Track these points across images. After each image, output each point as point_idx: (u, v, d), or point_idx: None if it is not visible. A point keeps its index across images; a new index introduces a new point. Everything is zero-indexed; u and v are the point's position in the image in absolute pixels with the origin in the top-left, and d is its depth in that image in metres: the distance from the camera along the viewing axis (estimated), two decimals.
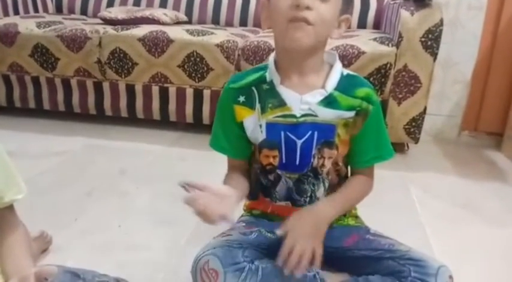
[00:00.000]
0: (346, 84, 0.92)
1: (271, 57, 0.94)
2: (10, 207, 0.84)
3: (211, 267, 0.83)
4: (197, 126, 2.09)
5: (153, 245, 1.20)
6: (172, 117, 2.09)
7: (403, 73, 1.78)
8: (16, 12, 2.41)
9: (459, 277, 0.87)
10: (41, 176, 1.60)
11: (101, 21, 2.20)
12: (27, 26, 2.10)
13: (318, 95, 0.90)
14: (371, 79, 1.76)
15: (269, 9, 0.87)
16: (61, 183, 1.56)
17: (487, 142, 2.18)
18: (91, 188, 1.52)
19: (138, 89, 2.07)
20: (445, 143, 2.18)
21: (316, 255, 0.85)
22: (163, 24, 2.13)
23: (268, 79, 0.93)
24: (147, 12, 2.17)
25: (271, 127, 0.92)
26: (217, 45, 1.91)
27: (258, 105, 0.93)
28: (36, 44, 2.07)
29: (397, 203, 1.50)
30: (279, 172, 0.95)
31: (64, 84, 2.14)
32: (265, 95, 0.92)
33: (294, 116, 0.91)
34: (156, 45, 1.96)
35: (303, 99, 0.90)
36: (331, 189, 0.98)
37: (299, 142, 0.92)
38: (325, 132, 0.92)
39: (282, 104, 0.91)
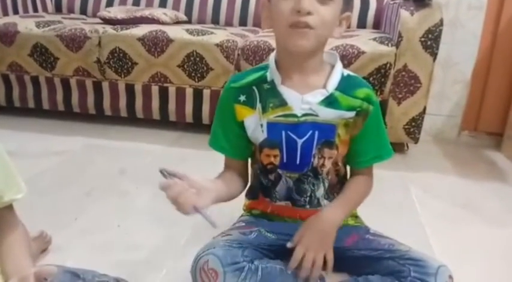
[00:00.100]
0: (346, 85, 0.92)
1: (272, 56, 0.94)
2: (10, 207, 0.84)
3: (211, 267, 0.83)
4: (197, 126, 2.08)
5: (152, 244, 1.20)
6: (172, 117, 2.09)
7: (403, 73, 1.78)
8: (15, 12, 2.40)
9: (459, 277, 0.87)
10: (41, 175, 1.60)
11: (100, 21, 2.20)
12: (26, 25, 2.09)
13: (319, 95, 0.90)
14: (371, 79, 1.76)
15: (270, 10, 0.87)
16: (60, 183, 1.56)
17: (487, 142, 2.18)
18: (91, 188, 1.52)
19: (138, 88, 2.07)
20: (445, 143, 2.18)
21: (327, 260, 0.89)
22: (163, 23, 2.13)
23: (269, 79, 0.93)
24: (147, 12, 2.16)
25: (272, 126, 0.92)
26: (217, 45, 1.91)
27: (258, 105, 0.93)
28: (36, 44, 2.07)
29: (397, 203, 1.50)
30: (279, 172, 0.95)
31: (63, 83, 2.14)
32: (266, 94, 0.92)
33: (295, 116, 0.91)
34: (156, 44, 1.96)
35: (304, 99, 0.90)
36: (331, 189, 0.98)
37: (300, 141, 0.92)
38: (326, 132, 0.92)
39: (283, 103, 0.91)
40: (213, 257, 0.84)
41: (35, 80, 2.15)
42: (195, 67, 1.96)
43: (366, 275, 0.91)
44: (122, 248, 1.18)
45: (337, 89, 0.91)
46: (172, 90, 2.03)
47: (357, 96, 0.92)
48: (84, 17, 2.51)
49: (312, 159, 0.93)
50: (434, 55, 1.74)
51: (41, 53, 2.08)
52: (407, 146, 2.00)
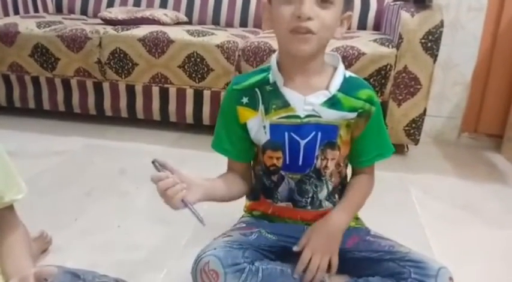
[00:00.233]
0: (348, 86, 0.92)
1: (274, 58, 0.94)
2: (10, 207, 0.84)
3: (212, 268, 0.83)
4: (197, 126, 2.08)
5: (153, 245, 1.20)
6: (173, 117, 2.09)
7: (403, 74, 1.78)
8: (16, 12, 2.41)
9: (459, 278, 0.87)
10: (41, 176, 1.60)
11: (101, 22, 2.20)
12: (27, 25, 2.10)
13: (322, 96, 0.91)
14: (371, 80, 1.76)
15: (270, 12, 0.87)
16: (61, 183, 1.56)
17: (487, 144, 2.18)
18: (91, 188, 1.52)
19: (138, 89, 2.07)
20: (445, 144, 2.18)
21: (332, 264, 0.91)
22: (164, 24, 2.13)
23: (271, 80, 0.93)
24: (148, 13, 2.17)
25: (275, 128, 0.92)
26: (218, 46, 1.91)
27: (261, 107, 0.93)
28: (36, 44, 2.07)
29: (397, 205, 1.50)
30: (282, 173, 0.95)
31: (64, 84, 2.14)
32: (268, 96, 0.92)
33: (298, 117, 0.91)
34: (157, 45, 1.96)
35: (307, 100, 0.90)
36: (333, 191, 0.98)
37: (302, 142, 0.92)
38: (329, 133, 0.92)
39: (285, 105, 0.91)
40: (213, 258, 0.84)
41: (36, 81, 2.16)
42: (196, 68, 1.96)
43: (366, 276, 0.91)
44: (122, 249, 1.18)
45: (339, 90, 0.91)
46: (172, 91, 2.03)
47: (359, 97, 0.92)
48: (84, 17, 2.51)
49: (315, 161, 0.93)
50: (434, 57, 1.74)
51: (42, 54, 2.08)
52: (408, 148, 2.00)
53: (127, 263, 1.12)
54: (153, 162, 0.82)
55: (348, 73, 0.95)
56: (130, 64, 2.02)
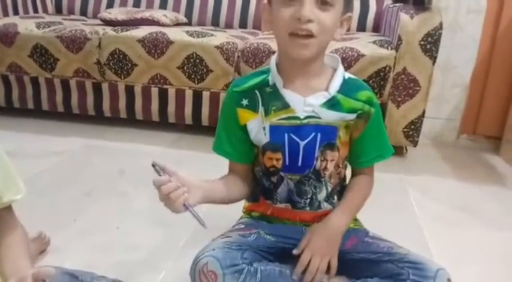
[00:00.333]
0: (348, 87, 0.93)
1: (273, 60, 0.94)
2: (9, 208, 0.83)
3: (210, 269, 0.83)
4: (196, 127, 2.09)
5: (151, 246, 1.20)
6: (172, 118, 2.09)
7: (402, 76, 1.78)
8: (16, 13, 2.40)
9: (457, 280, 0.87)
10: (40, 176, 1.60)
11: (100, 22, 2.20)
12: (26, 26, 2.09)
13: (321, 97, 0.91)
14: (370, 82, 1.77)
15: (270, 13, 0.87)
16: (59, 183, 1.56)
17: (486, 145, 2.19)
18: (90, 189, 1.52)
19: (138, 90, 2.07)
20: (443, 146, 2.19)
21: (331, 265, 0.92)
22: (163, 25, 2.13)
23: (271, 82, 0.93)
24: (147, 14, 2.17)
25: (274, 129, 0.92)
26: (217, 47, 1.91)
27: (261, 108, 0.93)
28: (36, 45, 2.07)
29: (396, 206, 1.50)
30: (281, 174, 0.95)
31: (63, 84, 2.14)
32: (268, 97, 0.93)
33: (297, 118, 0.91)
34: (156, 46, 1.96)
35: (307, 102, 0.90)
36: (332, 192, 0.98)
37: (302, 143, 0.92)
38: (328, 134, 0.92)
39: (285, 106, 0.91)
40: (212, 259, 0.84)
41: (35, 81, 2.15)
42: (195, 69, 1.96)
43: (365, 278, 0.91)
44: (121, 249, 1.18)
45: (339, 91, 0.92)
46: (171, 92, 2.03)
47: (359, 98, 0.92)
48: (84, 18, 2.51)
49: (315, 162, 0.93)
50: (433, 58, 1.75)
51: (41, 54, 2.08)
52: (406, 149, 2.00)
53: (125, 263, 1.11)
54: (153, 166, 0.82)
55: (348, 75, 0.95)
56: (130, 65, 2.02)
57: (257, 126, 0.94)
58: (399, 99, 1.81)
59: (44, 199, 1.42)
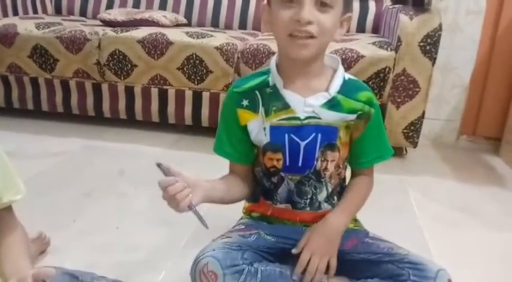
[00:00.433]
0: (348, 88, 0.93)
1: (273, 60, 0.94)
2: (8, 208, 0.83)
3: (211, 270, 0.83)
4: (196, 128, 2.09)
5: (151, 246, 1.20)
6: (171, 119, 2.09)
7: (402, 77, 1.78)
8: (15, 13, 2.40)
9: (457, 281, 0.87)
10: (39, 176, 1.60)
11: (100, 23, 2.21)
12: (26, 27, 2.09)
13: (322, 98, 0.91)
14: (370, 83, 1.77)
15: (270, 14, 0.87)
16: (59, 184, 1.56)
17: (485, 147, 2.19)
18: (89, 189, 1.52)
19: (137, 91, 2.07)
20: (443, 147, 2.19)
21: (331, 265, 0.91)
22: (163, 26, 2.13)
23: (271, 83, 0.93)
24: (147, 15, 2.17)
25: (275, 130, 0.92)
26: (217, 48, 1.91)
27: (261, 109, 0.93)
28: (35, 45, 2.07)
29: (396, 207, 1.50)
30: (282, 175, 0.96)
31: (63, 85, 2.14)
32: (268, 98, 0.93)
33: (298, 119, 0.91)
34: (156, 47, 1.96)
35: (307, 102, 0.90)
36: (332, 192, 0.98)
37: (302, 144, 0.92)
38: (328, 135, 0.92)
39: (285, 106, 0.91)
40: (212, 259, 0.84)
41: (35, 82, 2.15)
42: (195, 70, 1.96)
43: (365, 278, 0.91)
44: (121, 250, 1.18)
45: (339, 92, 0.92)
46: (171, 93, 2.03)
47: (359, 99, 0.93)
48: (83, 19, 2.51)
49: (315, 163, 0.94)
50: (433, 59, 1.75)
51: (41, 55, 2.08)
52: (406, 150, 2.00)
53: (125, 264, 1.11)
54: (158, 166, 0.81)
55: (348, 75, 0.95)
56: (130, 66, 2.02)
57: (257, 127, 0.94)
58: (399, 100, 1.81)
59: (44, 199, 1.42)
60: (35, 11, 2.55)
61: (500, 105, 2.16)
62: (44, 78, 2.14)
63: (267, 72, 0.95)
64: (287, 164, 0.94)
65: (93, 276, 0.85)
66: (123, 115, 2.13)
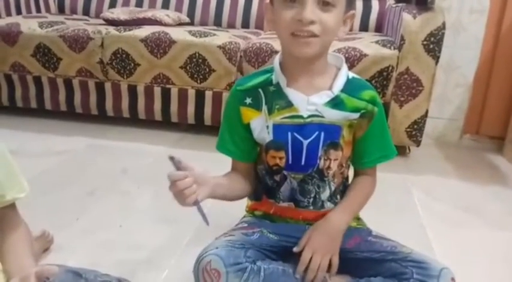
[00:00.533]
0: (352, 87, 0.93)
1: (276, 59, 0.94)
2: (12, 206, 0.84)
3: (214, 268, 0.83)
4: (199, 127, 2.09)
5: (154, 244, 1.20)
6: (174, 118, 2.09)
7: (405, 76, 1.78)
8: (18, 12, 2.41)
9: (461, 279, 0.87)
10: (43, 175, 1.60)
11: (103, 22, 2.21)
12: (29, 25, 2.10)
13: (325, 96, 0.91)
14: (373, 82, 1.77)
15: (272, 13, 0.87)
16: (62, 182, 1.57)
17: (489, 146, 2.18)
18: (92, 188, 1.52)
19: (140, 89, 2.07)
20: (446, 146, 2.18)
21: (333, 263, 0.91)
22: (166, 25, 2.13)
23: (274, 81, 0.93)
24: (150, 13, 2.17)
25: (278, 128, 0.92)
26: (220, 47, 1.91)
27: (264, 107, 0.93)
28: (39, 44, 2.07)
29: (399, 206, 1.50)
30: (285, 173, 0.95)
31: (66, 84, 2.14)
32: (271, 96, 0.93)
33: (301, 117, 0.91)
34: (158, 46, 1.96)
35: (310, 100, 0.90)
36: (335, 191, 0.98)
37: (305, 142, 0.92)
38: (332, 133, 0.92)
39: (289, 105, 0.91)
40: (215, 257, 0.84)
41: (38, 80, 2.16)
42: (198, 68, 1.96)
43: (368, 277, 0.91)
44: (124, 248, 1.18)
45: (342, 90, 0.92)
46: (174, 92, 2.04)
47: (363, 98, 0.92)
48: (86, 17, 2.51)
49: (318, 161, 0.93)
50: (436, 58, 1.74)
51: (44, 54, 2.09)
52: (409, 149, 2.00)
53: (129, 262, 1.12)
54: (171, 159, 0.82)
55: (351, 74, 0.95)
56: (132, 64, 2.02)
57: (260, 125, 0.94)
58: (402, 99, 1.81)
59: (47, 198, 1.42)
60: (38, 10, 2.56)
61: (503, 104, 2.15)
62: (47, 77, 2.14)
63: (271, 71, 0.95)
64: (290, 162, 0.94)
65: (96, 274, 0.85)
66: (126, 114, 2.14)
